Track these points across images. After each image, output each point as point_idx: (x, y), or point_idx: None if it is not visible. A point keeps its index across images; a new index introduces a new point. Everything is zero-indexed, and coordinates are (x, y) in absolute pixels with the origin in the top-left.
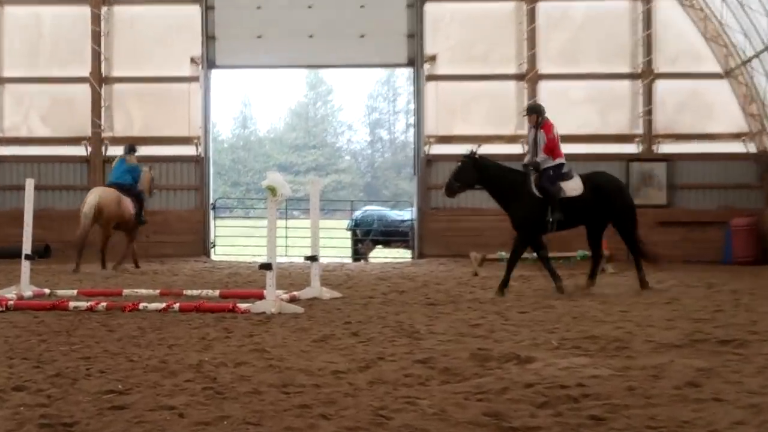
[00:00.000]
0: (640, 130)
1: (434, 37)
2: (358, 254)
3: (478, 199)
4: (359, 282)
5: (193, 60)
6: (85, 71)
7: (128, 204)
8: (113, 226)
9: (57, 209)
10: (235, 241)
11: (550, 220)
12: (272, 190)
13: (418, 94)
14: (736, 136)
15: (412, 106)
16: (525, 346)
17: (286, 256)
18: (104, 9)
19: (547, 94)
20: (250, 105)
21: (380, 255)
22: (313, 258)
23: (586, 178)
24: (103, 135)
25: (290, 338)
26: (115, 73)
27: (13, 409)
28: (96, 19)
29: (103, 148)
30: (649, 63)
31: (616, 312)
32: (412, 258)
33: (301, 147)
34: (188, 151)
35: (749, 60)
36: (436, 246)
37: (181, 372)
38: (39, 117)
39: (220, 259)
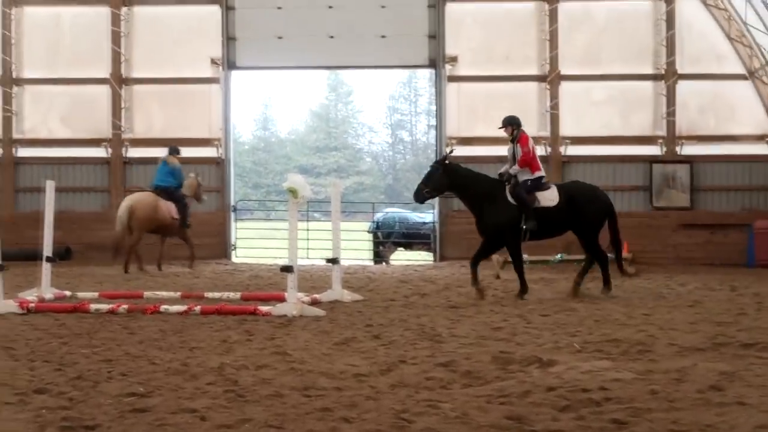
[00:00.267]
0: (662, 132)
1: (455, 38)
2: (380, 257)
3: None
4: (380, 285)
5: (213, 61)
6: (105, 72)
7: (168, 208)
8: (152, 230)
9: (77, 211)
10: (256, 244)
11: (524, 227)
12: (293, 192)
13: (439, 96)
14: (760, 138)
15: (433, 108)
16: (547, 350)
17: (307, 258)
18: (124, 9)
19: (569, 95)
20: (270, 106)
21: (401, 257)
22: (334, 260)
23: (561, 189)
24: (123, 136)
25: (312, 341)
26: (135, 74)
27: (35, 411)
28: (116, 20)
29: (123, 150)
30: (671, 64)
31: (639, 315)
32: (434, 261)
33: (322, 149)
34: (209, 152)
35: None
36: (458, 248)
37: (203, 375)
38: (59, 118)
39: (241, 261)
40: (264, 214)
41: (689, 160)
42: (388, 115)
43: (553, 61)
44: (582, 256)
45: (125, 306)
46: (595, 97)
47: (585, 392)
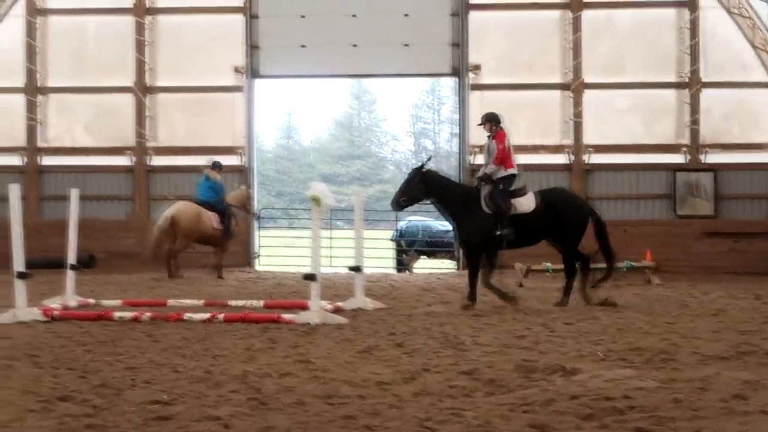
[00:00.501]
0: (686, 140)
1: (478, 46)
2: (402, 265)
3: None
4: (403, 293)
5: (236, 69)
6: (129, 81)
7: (211, 219)
8: (196, 240)
9: (101, 219)
10: (279, 252)
11: (498, 234)
12: (316, 201)
13: (462, 104)
14: None
15: (456, 116)
16: (570, 358)
17: (330, 266)
18: (148, 18)
19: (592, 103)
20: (293, 115)
21: (424, 266)
22: (357, 269)
23: (539, 195)
24: (147, 145)
25: (335, 349)
26: (159, 83)
27: (58, 419)
28: (140, 29)
29: (147, 158)
30: (695, 72)
31: (662, 324)
32: (457, 269)
33: (345, 157)
34: (232, 161)
35: None
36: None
37: (226, 383)
38: (83, 127)
39: (265, 269)
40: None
41: (713, 168)
42: (411, 123)
43: (577, 69)
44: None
45: (149, 314)
46: (619, 106)
47: (608, 401)
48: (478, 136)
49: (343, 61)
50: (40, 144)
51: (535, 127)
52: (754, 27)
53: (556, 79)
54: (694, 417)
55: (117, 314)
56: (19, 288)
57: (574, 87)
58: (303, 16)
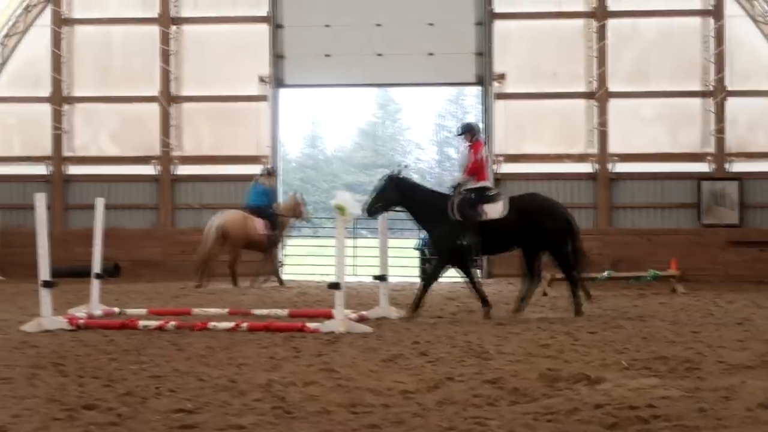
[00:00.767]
0: (711, 149)
1: (503, 55)
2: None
3: None
4: (428, 301)
5: (261, 79)
6: (155, 90)
7: (258, 225)
8: (244, 246)
9: (126, 228)
10: (303, 261)
11: (464, 243)
12: (341, 210)
13: (487, 113)
14: None
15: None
16: (594, 367)
17: (354, 275)
18: (173, 28)
19: (617, 112)
20: (318, 124)
21: (449, 274)
22: (381, 277)
23: (512, 201)
24: (172, 154)
25: (359, 358)
26: (184, 92)
27: (83, 427)
28: (165, 38)
29: (172, 167)
30: (720, 80)
31: (687, 333)
32: (481, 277)
33: (369, 166)
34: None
35: None
36: (505, 265)
37: (251, 391)
38: (109, 136)
39: (289, 278)
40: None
41: (738, 177)
42: (435, 132)
43: (601, 77)
44: (630, 273)
45: (174, 323)
46: (644, 114)
47: (633, 410)
48: (503, 145)
49: (368, 70)
50: (66, 153)
51: (559, 136)
52: None
53: (581, 87)
54: (719, 426)
55: (142, 323)
56: (45, 297)
57: (599, 96)
58: (328, 26)
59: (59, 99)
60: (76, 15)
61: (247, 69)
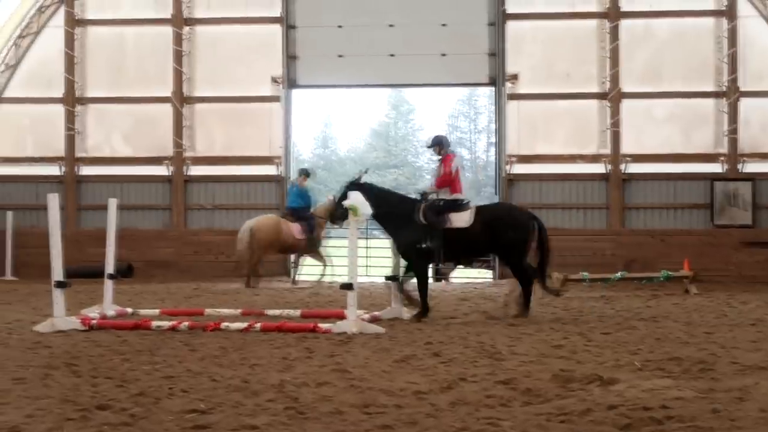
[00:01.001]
0: (724, 149)
1: (516, 56)
2: (439, 274)
3: (560, 219)
4: (440, 302)
5: (274, 79)
6: (168, 91)
7: (292, 229)
8: (278, 251)
9: (139, 229)
10: (316, 261)
11: (424, 246)
12: (354, 210)
13: (500, 113)
14: None
15: (493, 126)
16: (608, 368)
17: (366, 276)
18: (186, 29)
19: (630, 112)
20: (330, 125)
21: (461, 275)
22: (394, 278)
23: (479, 210)
24: (185, 155)
25: (371, 358)
26: (197, 93)
27: (97, 427)
28: (178, 39)
29: (185, 168)
30: (733, 81)
31: (700, 333)
32: (494, 278)
33: (382, 166)
34: (269, 170)
35: None
36: None
37: (263, 392)
38: (121, 137)
39: (302, 278)
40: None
41: (751, 177)
42: (448, 132)
43: (614, 78)
44: (643, 274)
45: (186, 323)
46: (656, 115)
47: (646, 411)
48: (516, 145)
49: (381, 70)
50: (78, 154)
51: (572, 136)
52: None
53: (594, 88)
54: (732, 427)
55: (155, 323)
56: (58, 297)
57: (612, 96)
58: (340, 26)
59: (72, 100)
60: (89, 16)
61: (259, 70)
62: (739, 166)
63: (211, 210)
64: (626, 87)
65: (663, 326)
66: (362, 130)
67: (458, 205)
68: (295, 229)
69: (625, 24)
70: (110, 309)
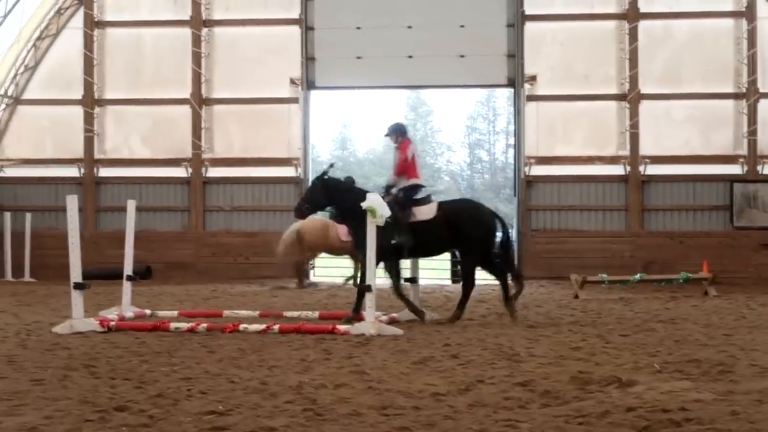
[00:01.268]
0: (743, 151)
1: (534, 57)
2: (458, 276)
3: (579, 220)
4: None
5: (292, 81)
6: (186, 92)
7: (341, 231)
8: (325, 252)
9: (158, 230)
10: (334, 263)
11: (394, 242)
12: (372, 212)
13: (518, 115)
14: None
15: (511, 127)
16: (626, 370)
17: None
18: (205, 30)
19: (649, 114)
20: (349, 126)
21: (479, 277)
22: (412, 280)
23: (442, 205)
24: (203, 156)
25: (390, 360)
26: (216, 95)
27: (115, 429)
28: (197, 41)
29: (203, 170)
30: (753, 82)
31: (720, 335)
32: (512, 280)
33: None
34: (287, 172)
35: None
36: (536, 268)
37: (282, 393)
38: (140, 138)
39: (320, 280)
40: None
41: None
42: (466, 134)
43: (633, 79)
44: (662, 276)
45: (205, 324)
46: (676, 116)
47: (665, 413)
48: (535, 147)
49: (399, 72)
50: (97, 155)
51: (591, 137)
52: None
53: (613, 89)
54: (752, 429)
55: (173, 325)
56: (76, 298)
57: (631, 97)
58: (359, 28)
59: (91, 101)
60: (108, 18)
61: (278, 71)
62: (759, 168)
63: (229, 211)
64: (645, 88)
65: (682, 328)
66: (381, 131)
67: (421, 199)
68: (342, 231)
69: (643, 25)
70: (129, 310)
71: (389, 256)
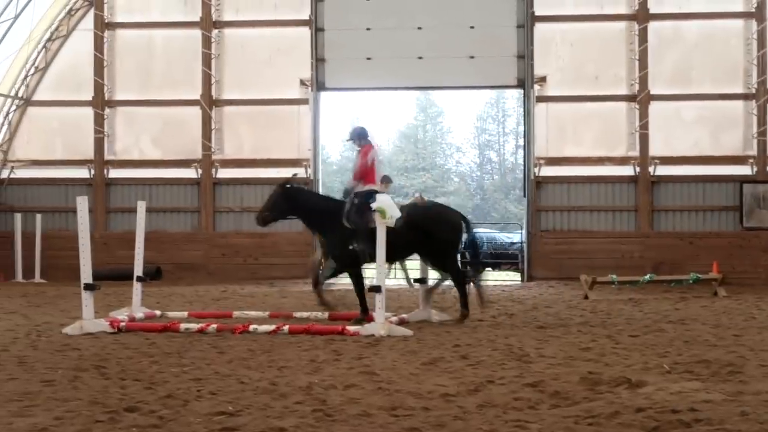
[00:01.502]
0: (753, 152)
1: (544, 58)
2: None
3: (588, 221)
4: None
5: (302, 82)
6: (196, 94)
7: None
8: None
9: (168, 231)
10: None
11: (355, 249)
12: (382, 213)
13: (528, 116)
14: None
15: (521, 128)
16: (636, 370)
17: (394, 278)
18: (215, 32)
19: (658, 114)
20: None
21: (489, 278)
22: (422, 281)
23: (405, 210)
24: (214, 157)
25: (399, 361)
26: (225, 96)
27: (125, 429)
28: (207, 42)
29: (213, 171)
30: (763, 83)
31: (729, 336)
32: (522, 281)
33: (410, 169)
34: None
35: None
36: (546, 269)
37: (291, 394)
38: (150, 139)
39: (330, 281)
40: None
41: None
42: (475, 135)
43: (643, 80)
44: (671, 277)
45: (215, 325)
46: (685, 117)
47: (674, 413)
48: (544, 148)
49: (409, 73)
50: (107, 157)
51: (600, 138)
52: None
53: (622, 90)
54: (761, 430)
55: (183, 326)
56: (87, 299)
57: (641, 98)
58: (368, 29)
59: (101, 102)
60: (119, 19)
61: (288, 72)
62: None
63: (239, 212)
64: (655, 89)
65: (691, 329)
66: (390, 132)
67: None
68: None
69: (653, 26)
70: (139, 311)
71: (348, 263)
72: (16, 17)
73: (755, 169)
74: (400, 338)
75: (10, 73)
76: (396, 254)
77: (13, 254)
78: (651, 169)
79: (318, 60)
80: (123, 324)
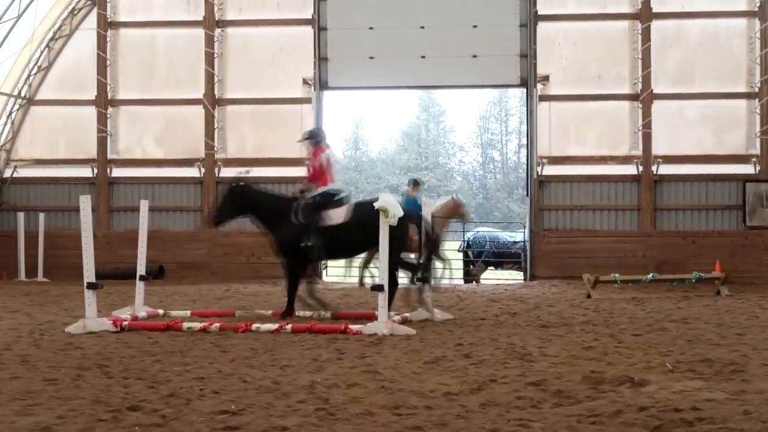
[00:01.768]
0: (756, 151)
1: (547, 57)
2: (470, 276)
3: (591, 220)
4: (471, 304)
5: (305, 81)
6: (199, 93)
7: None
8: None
9: (171, 230)
10: (347, 263)
11: (306, 245)
12: (385, 212)
13: (531, 115)
14: None
15: (524, 127)
16: (639, 369)
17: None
18: (218, 31)
19: (661, 113)
20: (362, 126)
21: (492, 277)
22: (424, 280)
23: (355, 207)
24: (216, 156)
25: (402, 360)
26: (228, 95)
27: (128, 428)
28: (210, 41)
29: (216, 170)
30: (766, 82)
31: (732, 335)
32: (524, 280)
33: (413, 168)
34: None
35: None
36: (549, 268)
37: (294, 393)
38: (153, 139)
39: (332, 280)
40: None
41: None
42: (478, 134)
43: (646, 79)
44: (674, 276)
45: (217, 324)
46: (688, 116)
47: (677, 412)
48: (547, 147)
49: (412, 72)
50: (110, 156)
51: (603, 137)
52: None
53: (625, 89)
54: (764, 429)
55: (186, 325)
56: (89, 298)
57: (644, 97)
58: (371, 28)
59: (104, 102)
60: (121, 18)
61: (291, 71)
62: None
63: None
64: (658, 88)
65: (694, 328)
66: (393, 131)
67: (333, 203)
68: (411, 231)
69: (656, 25)
70: (141, 310)
71: (302, 258)
72: (19, 16)
73: (758, 168)
74: (403, 337)
75: (13, 73)
76: (346, 249)
77: (16, 253)
78: (654, 168)
79: (321, 59)
80: (126, 323)
